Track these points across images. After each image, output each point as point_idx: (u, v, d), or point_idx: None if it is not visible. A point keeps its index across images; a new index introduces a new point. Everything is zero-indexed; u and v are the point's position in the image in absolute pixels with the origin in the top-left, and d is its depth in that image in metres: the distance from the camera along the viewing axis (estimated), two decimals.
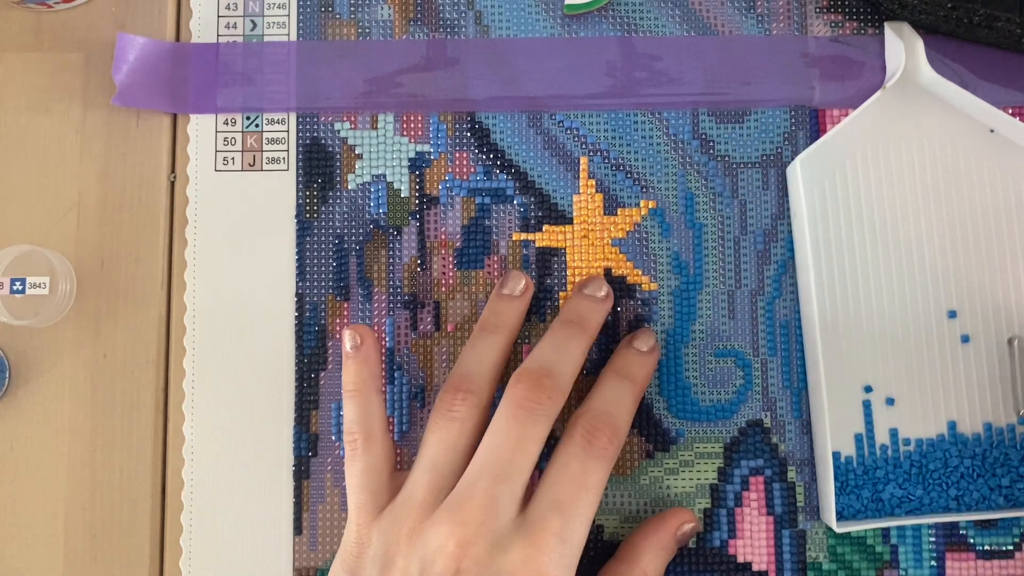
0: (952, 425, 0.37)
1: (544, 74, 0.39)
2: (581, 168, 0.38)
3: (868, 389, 0.37)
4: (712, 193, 0.38)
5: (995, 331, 0.37)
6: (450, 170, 0.38)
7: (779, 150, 0.38)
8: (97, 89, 0.39)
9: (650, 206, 0.38)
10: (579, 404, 0.34)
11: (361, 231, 0.38)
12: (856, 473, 0.36)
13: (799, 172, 0.36)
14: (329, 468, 0.37)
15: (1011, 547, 0.37)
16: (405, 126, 0.39)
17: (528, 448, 0.32)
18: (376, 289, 0.38)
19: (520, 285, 0.36)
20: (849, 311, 0.37)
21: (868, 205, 0.38)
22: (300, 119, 0.39)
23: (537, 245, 0.38)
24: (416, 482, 0.32)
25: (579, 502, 0.31)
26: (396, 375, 0.37)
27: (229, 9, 0.39)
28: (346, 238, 0.38)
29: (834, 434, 0.36)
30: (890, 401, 0.37)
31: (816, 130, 0.38)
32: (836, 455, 0.36)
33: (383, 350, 0.37)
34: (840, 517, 0.36)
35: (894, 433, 0.37)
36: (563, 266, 0.38)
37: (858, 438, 0.37)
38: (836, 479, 0.36)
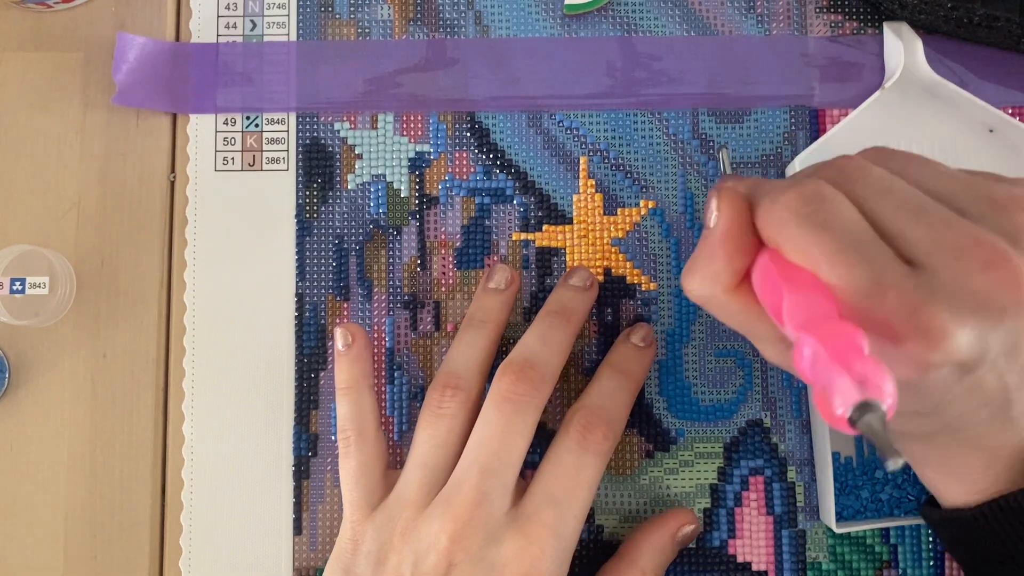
0: None
1: (544, 74, 0.39)
2: (581, 168, 0.38)
3: None
4: None
5: None
6: (450, 170, 0.38)
7: (779, 150, 0.38)
8: (97, 89, 0.39)
9: (650, 206, 0.38)
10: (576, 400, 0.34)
11: (361, 231, 0.38)
12: (855, 474, 0.36)
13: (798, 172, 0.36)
14: (329, 468, 0.37)
15: None
16: (405, 126, 0.39)
17: (516, 440, 0.32)
18: (376, 289, 0.38)
19: (505, 279, 0.36)
20: None
21: None
22: (300, 119, 0.39)
23: (537, 245, 0.38)
24: (408, 480, 0.32)
25: (573, 496, 0.31)
26: (396, 375, 0.37)
27: (229, 9, 0.39)
28: (346, 238, 0.38)
29: (833, 435, 0.36)
30: None
31: (816, 130, 0.38)
32: (835, 456, 0.36)
33: (383, 349, 0.38)
34: (839, 518, 0.36)
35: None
36: (563, 266, 0.38)
37: (858, 439, 0.37)
38: (836, 480, 0.36)
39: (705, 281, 0.27)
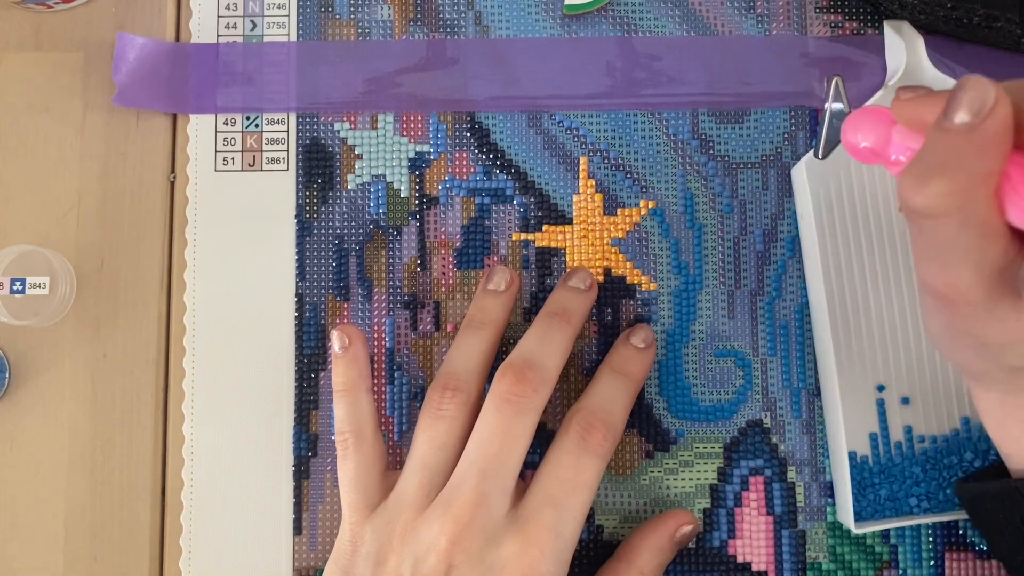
0: (966, 421, 0.37)
1: (544, 74, 0.39)
2: (581, 168, 0.38)
3: (881, 388, 0.36)
4: (712, 193, 0.38)
5: None
6: (450, 170, 0.38)
7: (779, 150, 0.38)
8: (97, 89, 0.39)
9: (650, 206, 0.38)
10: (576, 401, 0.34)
11: (361, 231, 0.38)
12: (872, 472, 0.36)
13: (805, 174, 0.36)
14: (329, 468, 0.37)
15: None
16: (405, 126, 0.39)
17: (516, 442, 0.32)
18: (376, 289, 0.38)
19: (505, 280, 0.36)
20: (859, 311, 0.37)
21: (875, 204, 0.37)
22: (300, 119, 0.39)
23: (537, 245, 0.38)
24: (407, 481, 0.32)
25: (573, 498, 0.31)
26: (396, 375, 0.37)
27: (229, 9, 0.39)
28: (346, 238, 0.38)
29: (849, 434, 0.36)
30: (905, 400, 0.36)
31: (816, 130, 0.38)
32: (852, 455, 0.36)
33: (383, 350, 0.38)
34: (858, 517, 0.36)
35: (908, 431, 0.36)
36: (563, 266, 0.38)
37: (872, 437, 0.36)
38: (852, 479, 0.36)
39: (965, 189, 0.24)
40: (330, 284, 0.38)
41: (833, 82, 0.31)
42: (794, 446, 0.37)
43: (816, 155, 0.32)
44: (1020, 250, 0.26)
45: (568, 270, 0.38)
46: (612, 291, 0.38)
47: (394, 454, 0.37)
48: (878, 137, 0.27)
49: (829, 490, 0.37)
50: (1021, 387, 0.29)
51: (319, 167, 0.38)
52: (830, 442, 0.37)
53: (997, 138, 0.23)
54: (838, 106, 0.31)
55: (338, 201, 0.38)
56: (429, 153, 0.38)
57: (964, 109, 0.24)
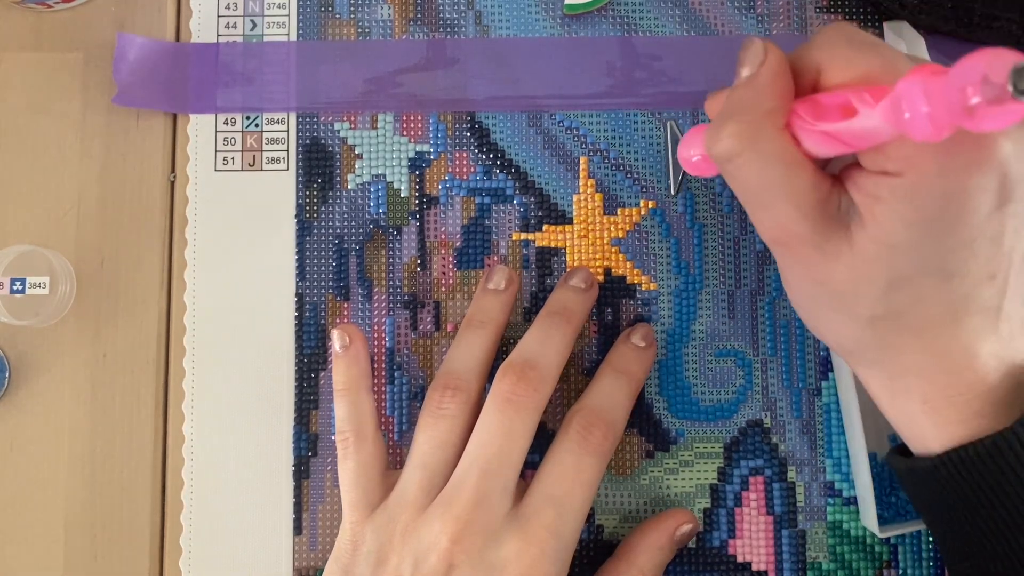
0: None
1: (544, 74, 0.39)
2: (581, 168, 0.38)
3: None
4: (712, 193, 0.38)
5: None
6: (450, 170, 0.38)
7: None
8: (97, 89, 0.39)
9: (650, 206, 0.38)
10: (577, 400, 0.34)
11: (361, 231, 0.38)
12: (892, 474, 0.36)
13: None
14: (329, 468, 0.37)
15: None
16: (405, 126, 0.39)
17: (516, 441, 0.32)
18: (376, 289, 0.38)
19: (505, 279, 0.36)
20: None
21: None
22: (300, 119, 0.39)
23: (537, 245, 0.38)
24: (408, 480, 0.32)
25: (573, 497, 0.31)
26: (396, 375, 0.37)
27: (229, 9, 0.39)
28: (346, 238, 0.38)
29: (868, 435, 0.35)
30: None
31: None
32: (872, 457, 0.36)
33: (383, 349, 0.38)
34: (882, 521, 0.35)
35: None
36: (563, 266, 0.38)
37: (892, 439, 0.36)
38: (874, 482, 0.35)
39: (751, 126, 0.27)
40: (330, 284, 0.38)
41: (668, 126, 0.37)
42: (794, 446, 0.37)
43: (672, 192, 0.36)
44: (834, 185, 0.28)
45: (568, 270, 0.38)
46: (612, 291, 0.38)
47: (394, 454, 0.37)
48: (703, 144, 0.30)
49: (829, 490, 0.37)
50: (891, 356, 0.28)
51: (319, 167, 0.38)
52: (850, 447, 0.36)
53: (772, 80, 0.27)
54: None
55: (338, 201, 0.38)
56: (429, 153, 0.39)
57: (746, 65, 0.28)
